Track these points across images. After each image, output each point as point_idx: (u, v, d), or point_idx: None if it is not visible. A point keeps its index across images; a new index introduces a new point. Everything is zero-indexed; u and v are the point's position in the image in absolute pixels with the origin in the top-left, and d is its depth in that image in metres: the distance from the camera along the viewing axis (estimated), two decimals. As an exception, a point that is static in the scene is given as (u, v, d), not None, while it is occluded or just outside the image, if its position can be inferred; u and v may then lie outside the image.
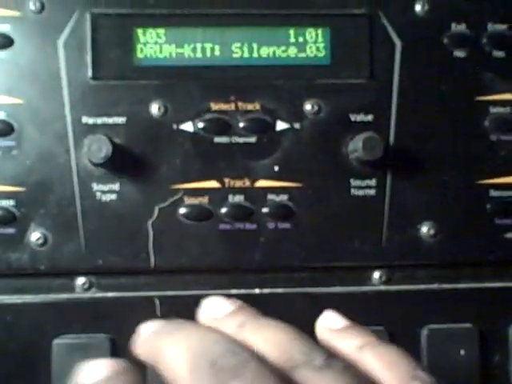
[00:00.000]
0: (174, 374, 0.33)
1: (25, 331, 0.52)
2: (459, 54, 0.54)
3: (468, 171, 0.54)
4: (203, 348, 0.34)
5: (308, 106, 0.52)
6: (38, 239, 0.51)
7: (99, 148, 0.48)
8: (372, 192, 0.53)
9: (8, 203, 0.51)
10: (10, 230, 0.51)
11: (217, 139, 0.52)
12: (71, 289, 0.53)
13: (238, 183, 0.52)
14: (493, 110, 0.54)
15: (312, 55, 0.52)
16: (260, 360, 0.33)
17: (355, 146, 0.51)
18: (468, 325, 0.54)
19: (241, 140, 0.52)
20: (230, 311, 0.41)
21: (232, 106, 0.52)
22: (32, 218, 0.51)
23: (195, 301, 0.50)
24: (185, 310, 0.51)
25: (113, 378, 0.35)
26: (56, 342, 0.52)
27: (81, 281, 0.52)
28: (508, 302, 0.55)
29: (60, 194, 0.51)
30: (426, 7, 0.53)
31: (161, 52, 0.52)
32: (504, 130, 0.54)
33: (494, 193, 0.54)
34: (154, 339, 0.37)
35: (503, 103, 0.54)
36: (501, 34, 0.54)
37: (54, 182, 0.51)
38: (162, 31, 0.52)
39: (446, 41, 0.53)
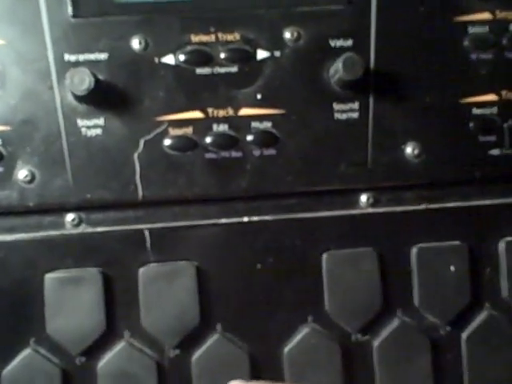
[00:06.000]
0: None
1: (17, 267, 0.55)
2: (436, -25, 0.57)
3: (450, 91, 0.57)
4: None
5: (287, 34, 0.56)
6: (25, 176, 0.54)
7: (81, 79, 0.52)
8: (355, 115, 0.57)
9: (-5, 142, 0.54)
10: (-2, 169, 0.54)
11: (199, 70, 0.56)
12: (61, 225, 0.56)
13: (222, 112, 0.56)
14: (471, 29, 0.57)
15: (289, -17, 0.56)
16: None
17: (336, 68, 0.54)
18: (457, 242, 0.57)
19: (222, 70, 0.56)
20: None
21: (212, 37, 0.56)
22: (19, 156, 0.55)
23: (184, 232, 0.54)
24: (174, 242, 0.54)
25: None
26: (48, 276, 0.55)
27: (70, 217, 0.56)
28: (495, 218, 0.59)
29: (46, 131, 0.55)
30: None
31: (139, -13, 0.56)
32: (483, 48, 0.57)
33: (476, 111, 0.58)
34: None
35: (481, 22, 0.58)
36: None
37: (40, 119, 0.55)
38: (138, -34, 0.55)
39: (421, -38, 0.57)
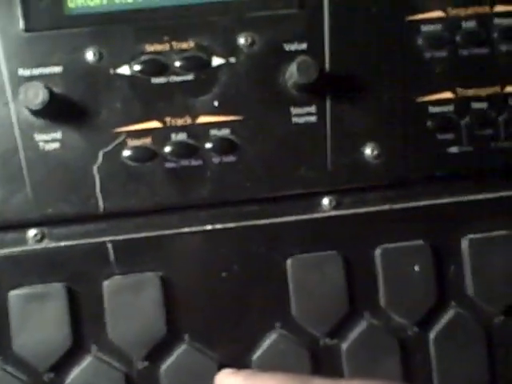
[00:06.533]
0: None
1: (-21, 287, 0.55)
2: (386, -25, 0.57)
3: (406, 90, 0.58)
4: None
5: (242, 40, 0.56)
6: (-16, 194, 0.54)
7: (36, 94, 0.52)
8: (313, 119, 0.57)
9: (-48, 161, 0.54)
10: (-43, 188, 0.54)
11: (154, 80, 0.56)
12: (24, 241, 0.56)
13: (180, 121, 0.56)
14: (424, 28, 0.58)
15: (241, -11, 0.56)
16: None
17: (291, 72, 0.55)
18: (420, 241, 0.58)
19: (178, 79, 0.56)
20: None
21: (166, 47, 0.56)
22: (-23, 174, 0.54)
23: (148, 243, 0.54)
24: (138, 253, 0.54)
25: None
26: (12, 293, 0.55)
27: (32, 232, 0.56)
28: (457, 216, 0.59)
29: (3, 147, 0.55)
30: None
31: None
32: (437, 46, 0.58)
33: (433, 109, 0.58)
34: None
35: (433, 21, 0.58)
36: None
37: (-4, 136, 0.54)
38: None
39: (371, -37, 0.57)
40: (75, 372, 0.55)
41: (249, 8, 0.57)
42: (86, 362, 0.55)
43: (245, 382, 0.50)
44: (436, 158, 0.58)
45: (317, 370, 0.56)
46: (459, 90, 0.58)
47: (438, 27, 0.58)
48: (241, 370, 0.52)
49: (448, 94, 0.58)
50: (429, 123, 0.58)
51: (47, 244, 0.56)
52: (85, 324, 0.56)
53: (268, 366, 0.56)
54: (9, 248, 0.56)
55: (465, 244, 0.59)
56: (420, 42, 0.58)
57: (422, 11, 0.58)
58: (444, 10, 0.58)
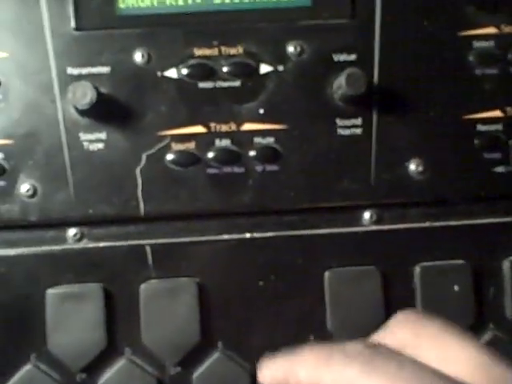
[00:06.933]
0: None
1: (18, 282, 0.55)
2: (440, -11, 0.57)
3: (454, 107, 0.57)
4: None
5: (291, 48, 0.56)
6: (27, 190, 0.55)
7: (84, 93, 0.52)
8: (358, 131, 0.57)
9: (-3, 156, 0.55)
10: (0, 183, 0.55)
11: (201, 84, 0.56)
12: (63, 240, 0.56)
13: (224, 127, 0.56)
14: (476, 44, 0.57)
15: (292, -3, 0.56)
16: None
17: (339, 83, 0.54)
18: (460, 261, 0.57)
19: (225, 84, 0.56)
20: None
21: (215, 51, 0.56)
22: (21, 170, 0.55)
23: (186, 248, 0.54)
24: (176, 258, 0.54)
25: None
26: (50, 291, 0.55)
27: (72, 232, 0.56)
28: (499, 237, 0.58)
29: (48, 144, 0.55)
30: None
31: (142, 1, 0.56)
32: (488, 63, 0.57)
33: (481, 127, 0.57)
34: None
35: (486, 37, 0.57)
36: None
37: (42, 133, 0.55)
38: (142, -21, 0.56)
39: (426, -23, 0.57)
40: (108, 374, 0.56)
41: (299, 16, 0.56)
42: (119, 364, 0.56)
43: (288, 363, 0.47)
44: (481, 177, 0.57)
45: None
46: (509, 109, 0.57)
47: (490, 44, 0.57)
48: (277, 355, 0.50)
49: (497, 113, 0.57)
50: (476, 141, 0.57)
51: (86, 244, 0.56)
52: (119, 326, 0.56)
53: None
54: (48, 246, 0.56)
55: (506, 266, 0.58)
56: (471, 58, 0.57)
57: (475, 27, 0.57)
58: (497, 27, 0.57)
